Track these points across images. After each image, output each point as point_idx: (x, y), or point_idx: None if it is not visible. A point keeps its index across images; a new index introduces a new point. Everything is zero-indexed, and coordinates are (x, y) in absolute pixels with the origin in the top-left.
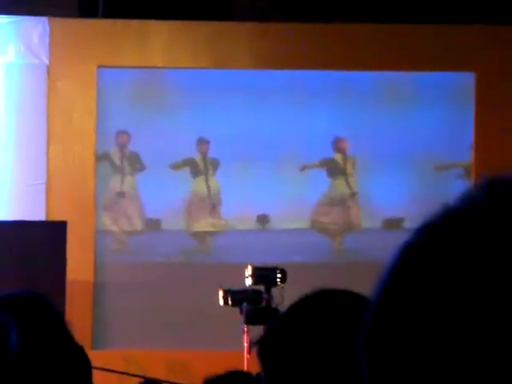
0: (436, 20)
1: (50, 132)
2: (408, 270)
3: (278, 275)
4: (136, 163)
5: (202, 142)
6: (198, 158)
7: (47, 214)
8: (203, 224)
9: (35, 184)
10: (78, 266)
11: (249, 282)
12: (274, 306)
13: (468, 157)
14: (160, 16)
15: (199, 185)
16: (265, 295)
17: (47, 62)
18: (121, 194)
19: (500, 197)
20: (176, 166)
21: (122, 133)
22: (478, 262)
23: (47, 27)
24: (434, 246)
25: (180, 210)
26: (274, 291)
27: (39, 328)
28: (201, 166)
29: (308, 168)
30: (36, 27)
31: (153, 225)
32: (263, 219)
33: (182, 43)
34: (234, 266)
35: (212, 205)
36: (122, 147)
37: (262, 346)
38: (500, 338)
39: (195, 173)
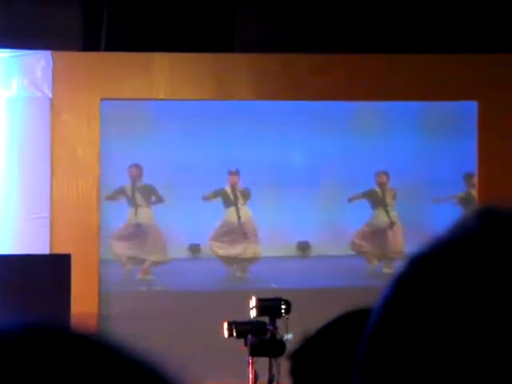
0: (439, 50)
1: (53, 165)
2: (401, 301)
3: (283, 306)
4: (151, 195)
5: (232, 173)
6: (228, 188)
7: (51, 246)
8: (238, 251)
9: (39, 217)
10: (82, 297)
11: (253, 313)
12: (278, 337)
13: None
14: (162, 48)
15: (231, 214)
16: (269, 327)
17: (50, 95)
18: (137, 226)
19: (493, 226)
20: (207, 197)
21: (134, 166)
22: (471, 294)
23: (50, 61)
24: (427, 277)
25: (212, 238)
26: (279, 322)
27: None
28: (231, 195)
29: (354, 199)
30: (39, 61)
31: (180, 254)
32: (304, 246)
33: (184, 75)
34: (271, 293)
35: (243, 233)
36: (134, 180)
37: (294, 362)
38: (493, 372)
39: (226, 203)
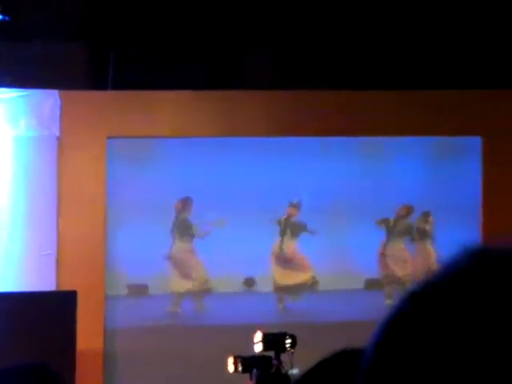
0: (441, 86)
1: (60, 202)
2: (393, 340)
3: (288, 341)
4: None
5: (292, 206)
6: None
7: (57, 283)
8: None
9: (45, 254)
10: (87, 334)
11: (258, 347)
12: (283, 371)
13: None
14: (168, 86)
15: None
16: (274, 361)
17: (58, 133)
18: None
19: (482, 266)
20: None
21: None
22: (463, 332)
23: (58, 100)
24: (417, 317)
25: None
26: (284, 357)
27: None
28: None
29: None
30: (47, 100)
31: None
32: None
33: (189, 112)
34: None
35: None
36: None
37: None
38: None
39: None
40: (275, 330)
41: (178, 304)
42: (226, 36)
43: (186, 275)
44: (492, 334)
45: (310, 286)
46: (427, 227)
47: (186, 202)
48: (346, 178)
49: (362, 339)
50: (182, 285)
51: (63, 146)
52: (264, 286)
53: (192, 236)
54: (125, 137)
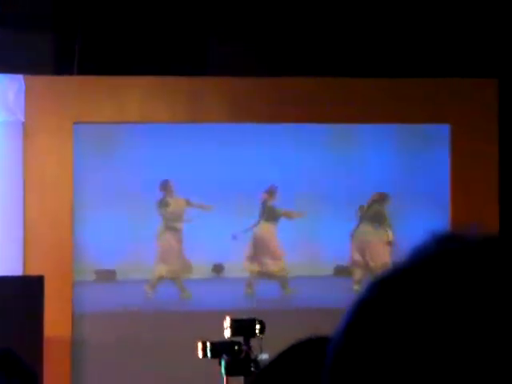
0: (412, 74)
1: (26, 187)
2: (360, 326)
3: (257, 326)
4: None
5: (267, 192)
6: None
7: (24, 268)
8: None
9: (12, 239)
10: (55, 320)
11: (227, 333)
12: (253, 357)
13: None
14: (135, 71)
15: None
16: (244, 346)
17: (23, 118)
18: None
19: (449, 251)
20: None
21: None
22: (429, 317)
23: (23, 84)
24: (386, 302)
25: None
26: (253, 342)
27: None
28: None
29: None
30: (11, 85)
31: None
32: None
33: (157, 98)
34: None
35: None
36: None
37: None
38: None
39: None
40: (244, 316)
41: (150, 289)
42: (193, 22)
43: (162, 260)
44: (456, 318)
45: (281, 273)
46: (386, 212)
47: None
48: (319, 164)
49: (331, 326)
50: (151, 270)
51: (29, 132)
52: (233, 272)
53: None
54: (91, 122)
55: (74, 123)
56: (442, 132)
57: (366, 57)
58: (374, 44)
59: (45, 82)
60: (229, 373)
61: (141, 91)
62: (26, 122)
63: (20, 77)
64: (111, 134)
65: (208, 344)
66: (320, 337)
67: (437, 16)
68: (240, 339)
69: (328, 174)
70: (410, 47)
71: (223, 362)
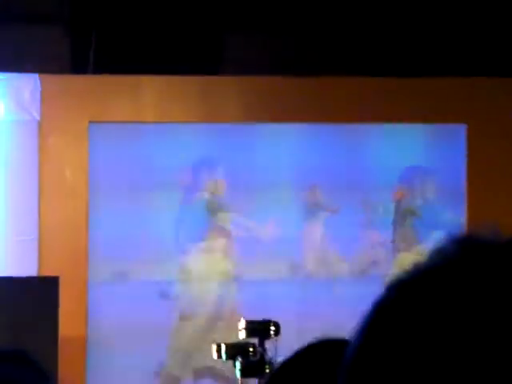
0: (427, 73)
1: (41, 187)
2: (379, 327)
3: (272, 328)
4: None
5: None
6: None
7: (39, 269)
8: None
9: (27, 239)
10: (70, 321)
11: (242, 335)
12: (267, 359)
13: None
14: (151, 71)
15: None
16: (258, 348)
17: (38, 117)
18: None
19: (471, 254)
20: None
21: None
22: (449, 321)
23: (38, 83)
24: (405, 304)
25: None
26: (268, 344)
27: None
28: None
29: None
30: (27, 84)
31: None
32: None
33: (173, 97)
34: None
35: None
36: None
37: None
38: None
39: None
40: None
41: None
42: (210, 20)
43: None
44: (477, 322)
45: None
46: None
47: None
48: (334, 164)
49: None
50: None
51: (44, 131)
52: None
53: None
54: (107, 122)
55: (90, 122)
56: (458, 131)
57: (381, 56)
58: (389, 43)
59: (60, 81)
60: (243, 375)
61: (157, 90)
62: (41, 121)
63: (35, 76)
64: (127, 134)
65: (222, 346)
66: (334, 338)
67: (456, 15)
68: (255, 341)
69: (347, 171)
70: (424, 46)
71: (238, 364)
